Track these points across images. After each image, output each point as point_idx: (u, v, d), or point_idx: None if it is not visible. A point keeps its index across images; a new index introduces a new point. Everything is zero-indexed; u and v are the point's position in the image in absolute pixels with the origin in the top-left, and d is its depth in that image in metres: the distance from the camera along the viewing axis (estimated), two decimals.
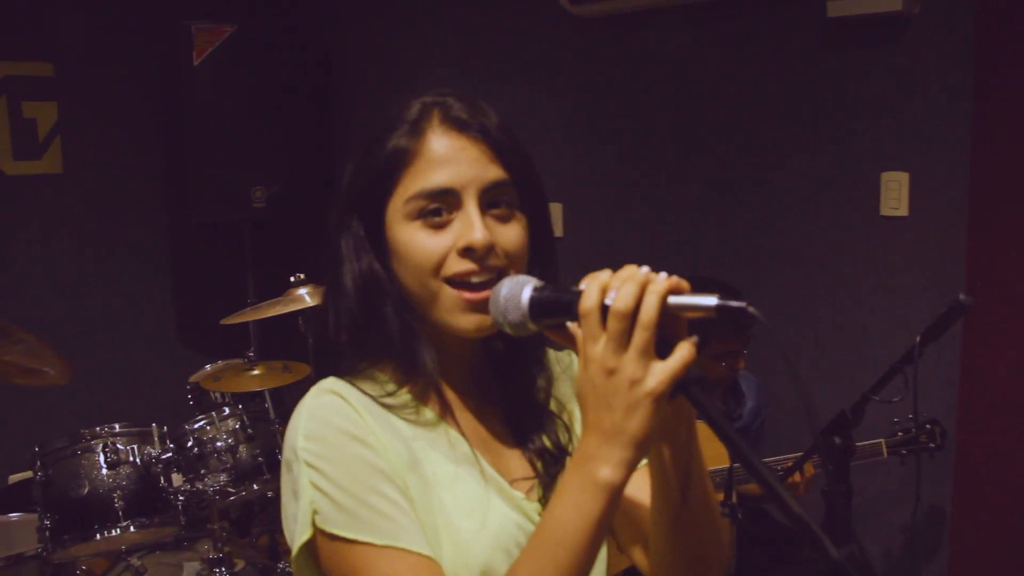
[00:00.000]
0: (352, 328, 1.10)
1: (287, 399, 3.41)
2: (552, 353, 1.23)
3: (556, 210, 3.92)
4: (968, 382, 2.95)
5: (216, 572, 2.67)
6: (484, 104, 1.12)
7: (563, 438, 1.16)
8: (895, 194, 3.03)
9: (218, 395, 3.37)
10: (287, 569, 2.83)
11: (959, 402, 2.95)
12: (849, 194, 3.12)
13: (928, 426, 2.68)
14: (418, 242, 1.04)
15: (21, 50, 4.22)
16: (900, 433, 2.67)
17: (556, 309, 0.98)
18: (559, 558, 0.93)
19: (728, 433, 0.90)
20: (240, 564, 2.77)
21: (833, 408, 2.24)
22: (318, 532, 1.03)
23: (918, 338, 1.96)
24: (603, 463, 0.92)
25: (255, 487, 2.97)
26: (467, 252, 1.04)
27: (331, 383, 1.09)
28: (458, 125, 1.07)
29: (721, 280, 2.84)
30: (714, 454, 2.70)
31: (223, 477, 2.86)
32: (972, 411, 2.94)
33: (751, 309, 0.89)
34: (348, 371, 1.11)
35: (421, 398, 1.11)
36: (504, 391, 1.16)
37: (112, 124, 4.51)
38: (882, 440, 2.66)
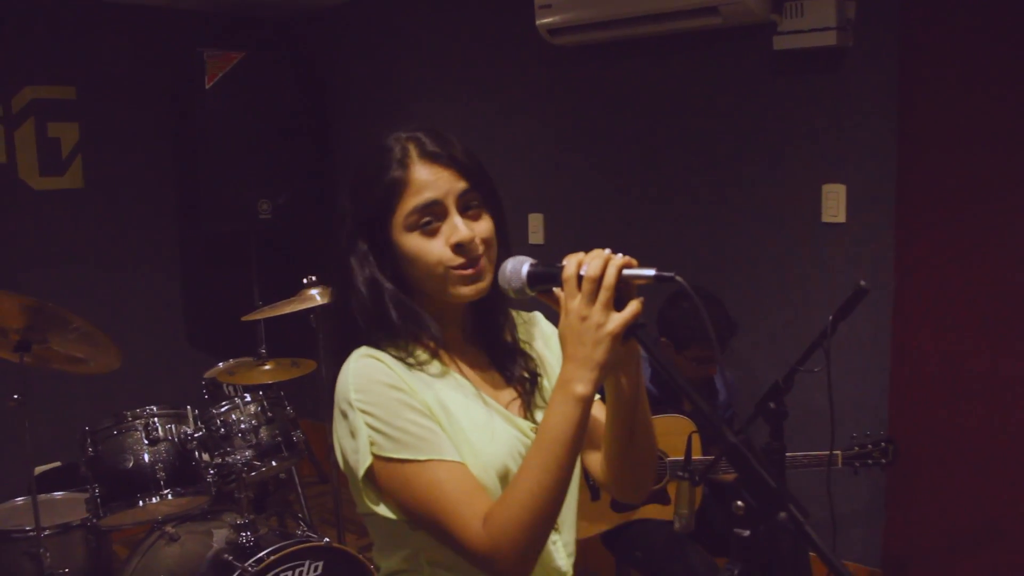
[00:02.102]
0: (366, 317, 1.45)
1: (297, 390, 3.71)
2: (515, 313, 1.62)
3: (537, 219, 4.23)
4: (898, 366, 3.24)
5: (243, 536, 2.93)
6: (449, 135, 1.47)
7: (531, 365, 1.55)
8: (834, 203, 3.32)
9: (231, 388, 3.63)
10: (306, 533, 3.14)
11: (891, 384, 3.26)
12: (794, 204, 3.41)
13: (883, 444, 2.80)
14: (422, 247, 1.40)
15: (47, 75, 4.47)
16: (856, 448, 2.81)
17: (546, 278, 1.37)
18: (555, 450, 1.30)
19: (667, 369, 1.30)
20: (263, 529, 3.06)
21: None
22: (376, 459, 1.37)
23: (830, 318, 2.28)
24: (578, 382, 1.30)
25: (274, 463, 3.28)
26: (458, 248, 1.40)
27: (364, 350, 1.44)
28: (433, 157, 1.42)
29: (715, 294, 3.12)
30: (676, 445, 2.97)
31: (248, 452, 3.19)
32: (902, 391, 3.23)
33: (679, 279, 1.27)
34: (371, 343, 1.46)
35: (430, 356, 1.47)
36: (486, 341, 1.55)
37: (129, 143, 4.77)
38: (839, 452, 2.80)
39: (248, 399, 3.37)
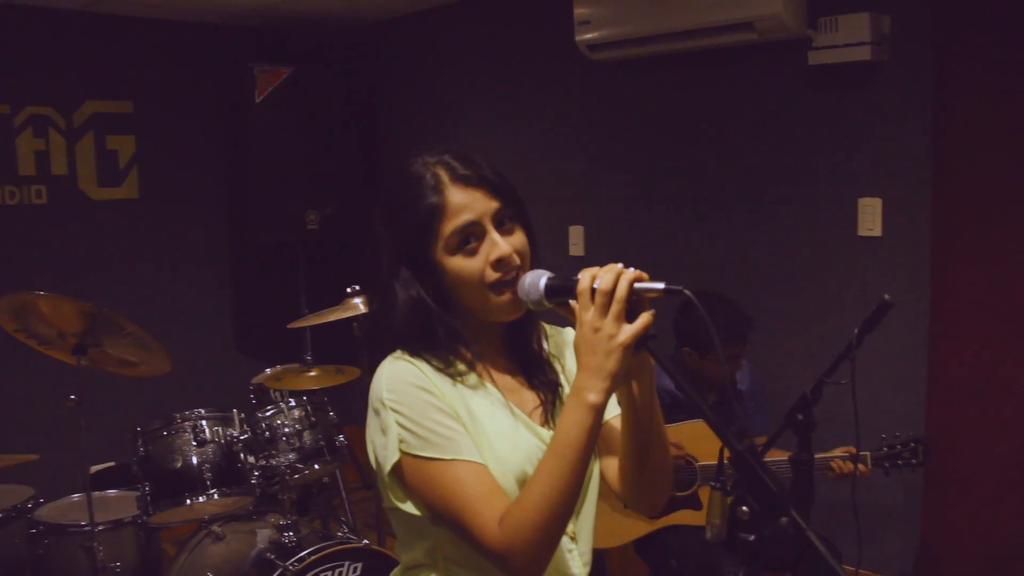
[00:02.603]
0: (408, 334, 1.52)
1: (341, 396, 3.81)
2: (546, 326, 1.69)
3: (578, 232, 4.31)
4: (935, 377, 3.24)
5: (285, 536, 3.04)
6: (475, 156, 1.54)
7: (554, 375, 1.62)
8: (870, 217, 3.35)
9: (277, 394, 3.70)
10: (347, 535, 3.24)
11: (927, 395, 3.26)
12: (830, 217, 3.44)
13: (912, 444, 2.80)
14: (464, 267, 1.47)
15: (106, 91, 4.67)
16: (885, 448, 2.82)
17: (562, 291, 1.44)
18: (567, 455, 1.37)
19: (677, 378, 1.37)
20: (305, 530, 3.16)
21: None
22: (403, 456, 1.44)
23: (856, 330, 2.31)
24: (590, 391, 1.36)
25: (316, 467, 3.38)
26: (498, 263, 1.47)
27: (399, 354, 1.52)
28: (465, 180, 1.48)
29: (729, 297, 3.15)
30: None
31: (291, 456, 3.30)
32: (938, 402, 3.24)
33: (687, 292, 1.34)
34: (407, 351, 1.52)
35: (467, 367, 1.53)
36: (517, 351, 1.62)
37: (183, 154, 4.94)
38: (867, 453, 2.82)
39: (292, 404, 3.47)
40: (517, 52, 4.48)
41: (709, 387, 3.22)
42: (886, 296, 2.24)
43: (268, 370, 3.94)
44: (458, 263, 1.47)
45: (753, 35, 3.38)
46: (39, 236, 4.50)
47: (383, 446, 1.46)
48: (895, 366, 3.33)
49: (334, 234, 4.86)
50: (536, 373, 1.61)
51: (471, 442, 1.45)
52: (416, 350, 1.51)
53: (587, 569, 1.59)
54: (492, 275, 1.47)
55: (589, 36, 3.81)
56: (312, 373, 3.66)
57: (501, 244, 1.47)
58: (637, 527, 3.18)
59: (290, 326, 3.69)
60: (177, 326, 4.75)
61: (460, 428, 1.45)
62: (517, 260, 1.48)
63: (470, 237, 1.47)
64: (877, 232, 3.34)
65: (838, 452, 2.87)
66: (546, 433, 1.55)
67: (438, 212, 1.46)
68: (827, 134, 3.43)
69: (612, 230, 4.18)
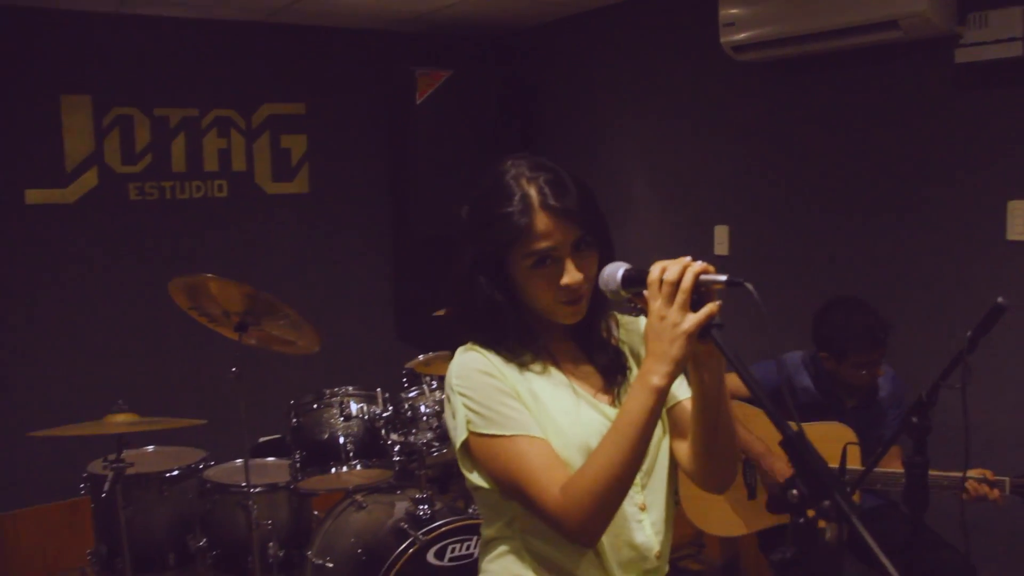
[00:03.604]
0: (483, 329, 1.65)
1: None
2: (620, 316, 1.80)
3: (723, 231, 4.32)
4: None
5: (420, 508, 3.26)
6: (568, 182, 1.61)
7: (622, 360, 1.73)
8: (1020, 221, 3.23)
9: (427, 378, 3.98)
10: (476, 512, 3.41)
11: None
12: (977, 221, 3.34)
13: None
14: (534, 282, 1.59)
15: (281, 94, 5.06)
16: None
17: (636, 281, 1.55)
18: (628, 432, 1.47)
19: (737, 366, 1.44)
20: (439, 505, 3.35)
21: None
22: (471, 435, 1.55)
23: (968, 333, 2.27)
24: (655, 374, 1.46)
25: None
26: (566, 288, 1.59)
27: (468, 345, 1.66)
28: (553, 211, 1.57)
29: (859, 297, 3.17)
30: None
31: (429, 435, 3.51)
32: None
33: (747, 285, 1.41)
34: (478, 342, 1.66)
35: (533, 356, 1.66)
36: (583, 339, 1.72)
37: (349, 152, 5.27)
38: (1006, 479, 2.76)
39: (435, 386, 3.68)
40: (665, 54, 4.55)
41: (850, 392, 3.21)
42: (1000, 299, 2.20)
43: (421, 356, 4.21)
44: (531, 278, 1.59)
45: (898, 33, 3.33)
46: (219, 225, 4.93)
47: (453, 427, 1.61)
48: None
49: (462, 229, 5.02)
50: (601, 359, 1.72)
51: (532, 419, 1.57)
52: (487, 343, 1.64)
53: (660, 538, 1.67)
54: (559, 295, 1.59)
55: (734, 38, 3.84)
56: None
57: (572, 273, 1.57)
58: (759, 520, 3.22)
59: (435, 313, 3.90)
60: (339, 311, 5.08)
61: (522, 407, 1.57)
62: (584, 288, 1.60)
63: (547, 259, 1.58)
64: None
65: (974, 474, 2.80)
66: (611, 411, 1.65)
67: (523, 232, 1.56)
68: (975, 134, 3.33)
69: (757, 230, 4.18)
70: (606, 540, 1.58)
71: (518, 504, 1.58)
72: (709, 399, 1.56)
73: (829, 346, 3.11)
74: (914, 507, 2.39)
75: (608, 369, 1.71)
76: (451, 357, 3.97)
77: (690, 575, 4.34)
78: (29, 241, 4.49)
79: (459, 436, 1.59)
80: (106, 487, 3.31)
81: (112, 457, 3.32)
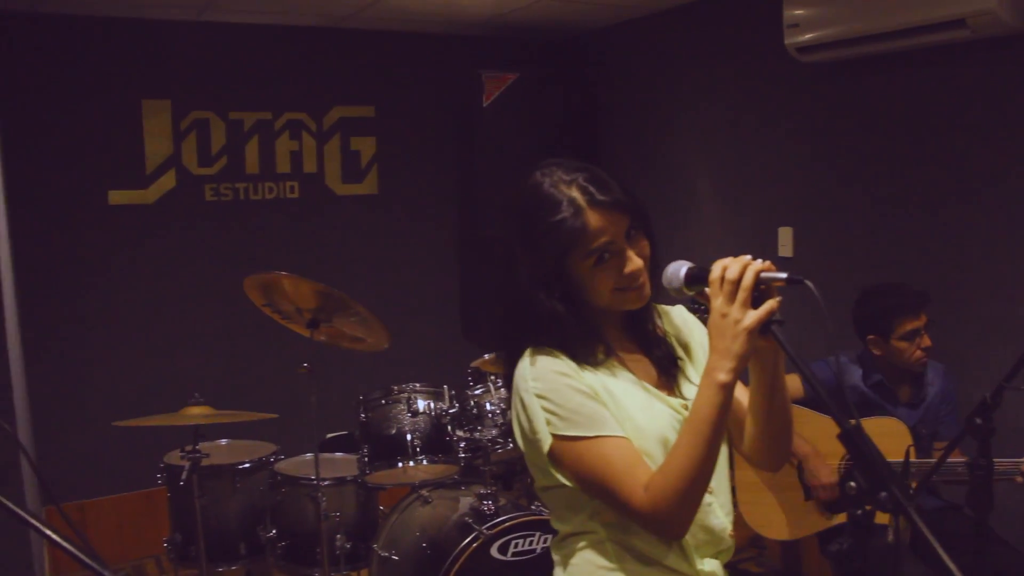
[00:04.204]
0: (543, 336, 1.67)
1: None
2: (658, 306, 1.84)
3: (787, 233, 4.30)
4: None
5: (484, 504, 3.32)
6: (606, 177, 1.66)
7: (672, 351, 1.78)
8: None
9: (493, 376, 4.02)
10: (540, 507, 3.46)
11: None
12: None
13: None
14: (600, 279, 1.63)
15: (352, 98, 5.18)
16: None
17: (698, 280, 1.60)
18: (702, 429, 1.52)
19: (796, 361, 1.47)
20: (503, 501, 3.41)
21: None
22: (554, 438, 1.57)
23: None
24: (720, 371, 1.51)
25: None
26: (630, 276, 1.64)
27: (536, 348, 1.64)
28: (602, 205, 1.62)
29: (919, 289, 3.20)
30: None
31: (494, 431, 3.58)
32: None
33: (807, 283, 1.45)
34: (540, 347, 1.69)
35: (599, 355, 1.70)
36: (638, 334, 1.77)
37: (418, 154, 5.37)
38: None
39: (500, 384, 3.73)
40: (728, 56, 4.55)
41: (903, 379, 3.23)
42: None
43: (486, 355, 4.27)
44: (595, 276, 1.63)
45: (966, 32, 3.29)
46: (291, 226, 5.07)
47: (532, 431, 1.62)
48: None
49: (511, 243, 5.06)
50: (656, 352, 1.77)
51: (612, 418, 1.61)
52: (555, 346, 1.67)
53: (729, 518, 1.74)
54: (622, 283, 1.64)
55: (798, 39, 3.83)
56: None
57: (634, 260, 1.63)
58: (816, 521, 3.22)
59: (497, 312, 3.95)
60: (406, 310, 5.17)
61: (600, 406, 1.61)
62: (644, 272, 1.65)
63: (606, 254, 1.62)
64: None
65: None
66: (675, 401, 1.71)
67: (578, 235, 1.60)
68: None
69: (821, 232, 4.16)
70: None
71: (600, 502, 1.63)
72: (766, 389, 1.62)
73: (873, 326, 3.18)
74: (979, 509, 2.38)
75: (662, 361, 1.76)
76: None
77: None
78: (112, 240, 4.67)
79: (544, 440, 1.60)
80: (183, 476, 3.43)
81: (189, 448, 3.45)
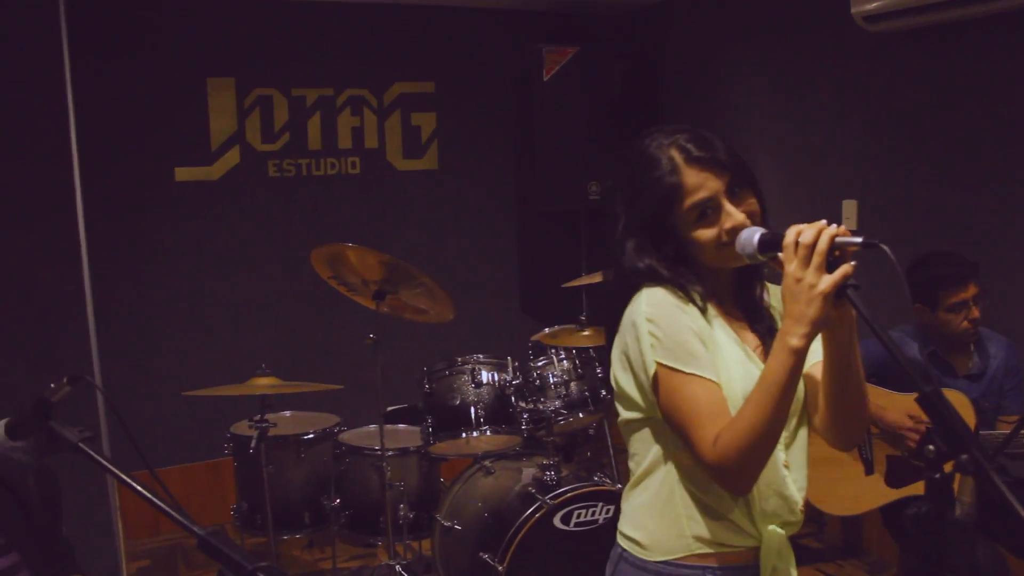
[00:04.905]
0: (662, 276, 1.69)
1: (608, 353, 4.04)
2: (769, 285, 1.82)
3: (851, 206, 4.23)
4: None
5: (547, 475, 3.34)
6: (707, 134, 1.69)
7: (772, 323, 1.77)
8: None
9: (554, 349, 4.00)
10: (603, 479, 3.48)
11: None
12: None
13: None
14: (703, 235, 1.64)
15: (411, 73, 5.20)
16: None
17: (772, 245, 1.58)
18: (772, 391, 1.53)
19: (874, 328, 1.45)
20: (566, 472, 3.43)
21: None
22: (657, 364, 1.59)
23: None
24: (792, 336, 1.51)
25: (580, 415, 3.64)
26: (732, 230, 1.63)
27: (656, 283, 1.66)
28: (699, 161, 1.65)
29: (968, 259, 3.12)
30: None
31: (557, 403, 3.59)
32: None
33: (883, 246, 1.44)
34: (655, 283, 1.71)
35: (710, 303, 1.70)
36: (743, 299, 1.78)
37: (477, 129, 5.39)
38: None
39: (562, 356, 3.75)
40: (792, 25, 4.47)
41: (958, 349, 3.17)
42: None
43: (547, 329, 4.29)
44: (697, 232, 1.65)
45: None
46: (352, 201, 5.11)
47: (639, 352, 1.64)
48: None
49: (614, 204, 5.05)
50: (757, 320, 1.77)
51: (712, 363, 1.63)
52: (673, 284, 1.68)
53: (802, 494, 1.74)
54: (726, 239, 1.63)
55: (865, 7, 3.75)
56: (585, 333, 3.95)
57: (735, 215, 1.63)
58: (879, 495, 3.18)
59: (564, 285, 3.97)
60: (465, 283, 5.16)
61: (703, 348, 1.63)
62: (750, 224, 1.64)
63: (707, 210, 1.64)
64: None
65: None
66: (763, 364, 1.70)
67: (677, 192, 1.64)
68: None
69: (886, 205, 4.09)
70: (756, 489, 1.65)
71: (671, 442, 1.67)
72: (839, 360, 1.61)
73: (921, 295, 3.11)
74: None
75: (762, 329, 1.76)
76: (576, 330, 4.03)
77: (812, 553, 4.31)
78: (179, 216, 4.77)
79: (649, 365, 1.62)
80: (252, 445, 3.50)
81: (257, 417, 3.52)
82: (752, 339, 1.75)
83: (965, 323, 3.09)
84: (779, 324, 1.76)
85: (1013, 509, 1.29)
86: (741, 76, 4.84)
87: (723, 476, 1.58)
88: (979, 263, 3.11)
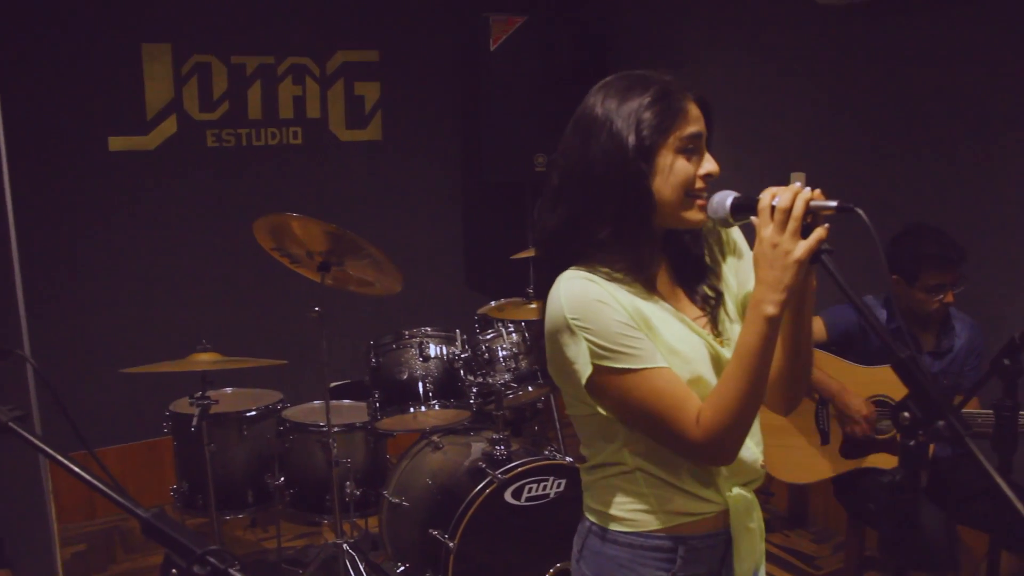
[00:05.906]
0: (602, 243, 1.58)
1: None
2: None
3: (799, 179, 4.22)
4: None
5: (497, 449, 3.29)
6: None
7: (716, 282, 1.70)
8: None
9: (499, 323, 3.95)
10: (553, 452, 3.44)
11: None
12: None
13: None
14: (682, 168, 1.55)
15: (355, 41, 5.06)
16: None
17: (746, 209, 1.54)
18: (750, 362, 1.49)
19: (850, 294, 1.42)
20: (516, 446, 3.38)
21: None
22: (595, 368, 1.53)
23: None
24: (768, 304, 1.46)
25: (530, 389, 3.57)
26: (707, 176, 1.58)
27: (572, 272, 1.58)
28: (697, 99, 1.60)
29: (958, 245, 3.08)
30: None
31: (507, 376, 3.53)
32: None
33: (858, 210, 1.40)
34: (581, 262, 1.60)
35: (635, 277, 1.62)
36: (675, 261, 1.70)
37: (422, 100, 5.27)
38: None
39: (511, 329, 3.68)
40: None
41: (926, 326, 3.17)
42: None
43: (493, 302, 4.22)
44: (679, 163, 1.56)
45: None
46: (294, 172, 4.98)
47: (573, 360, 1.56)
48: None
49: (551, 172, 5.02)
50: (695, 285, 1.70)
51: (655, 350, 1.56)
52: (590, 261, 1.60)
53: (759, 448, 1.74)
54: (698, 184, 1.58)
55: None
56: (532, 306, 3.88)
57: (713, 163, 1.59)
58: (833, 465, 3.20)
59: (513, 257, 3.92)
60: (411, 256, 5.07)
61: (643, 336, 1.56)
62: (721, 173, 1.60)
63: (693, 147, 1.58)
64: None
65: None
66: (712, 338, 1.66)
67: (680, 116, 1.57)
68: None
69: (835, 177, 4.08)
70: None
71: (630, 431, 1.62)
72: (794, 329, 1.60)
73: (901, 268, 3.09)
74: (1004, 451, 2.36)
75: (701, 294, 1.70)
76: (523, 303, 3.98)
77: None
78: (113, 187, 4.58)
79: (583, 371, 1.56)
80: (194, 423, 3.39)
81: (198, 395, 3.41)
82: (692, 309, 1.68)
83: (936, 305, 3.08)
84: (722, 271, 1.73)
85: (987, 475, 1.27)
86: (691, 48, 4.81)
87: (711, 454, 1.57)
88: (965, 250, 3.08)
